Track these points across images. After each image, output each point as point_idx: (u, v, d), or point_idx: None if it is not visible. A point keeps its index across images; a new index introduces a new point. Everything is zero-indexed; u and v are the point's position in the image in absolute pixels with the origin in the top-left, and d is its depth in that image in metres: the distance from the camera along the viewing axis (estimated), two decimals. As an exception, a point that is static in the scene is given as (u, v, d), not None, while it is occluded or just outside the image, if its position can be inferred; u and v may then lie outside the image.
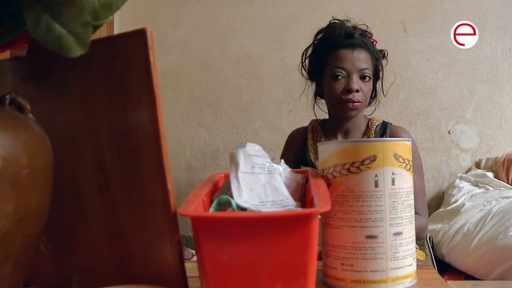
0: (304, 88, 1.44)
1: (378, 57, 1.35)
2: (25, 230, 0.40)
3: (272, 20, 2.33)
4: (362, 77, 1.29)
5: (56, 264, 0.55)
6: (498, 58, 2.10)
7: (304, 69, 1.42)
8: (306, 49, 1.42)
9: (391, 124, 1.40)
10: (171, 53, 2.42)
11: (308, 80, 1.43)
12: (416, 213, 1.22)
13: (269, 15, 2.33)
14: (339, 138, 1.38)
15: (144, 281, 0.50)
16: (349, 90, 1.27)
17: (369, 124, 1.39)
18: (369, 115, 1.44)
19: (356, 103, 1.28)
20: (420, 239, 1.44)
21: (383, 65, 1.39)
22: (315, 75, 1.40)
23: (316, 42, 1.38)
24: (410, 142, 0.60)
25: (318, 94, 1.43)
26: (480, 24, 2.09)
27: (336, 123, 1.39)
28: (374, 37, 1.37)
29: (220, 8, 2.38)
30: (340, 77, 1.29)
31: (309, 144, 1.43)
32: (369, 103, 1.40)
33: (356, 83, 1.27)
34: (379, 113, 1.43)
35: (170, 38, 2.43)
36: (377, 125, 1.39)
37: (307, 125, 1.50)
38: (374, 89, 1.39)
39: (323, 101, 1.43)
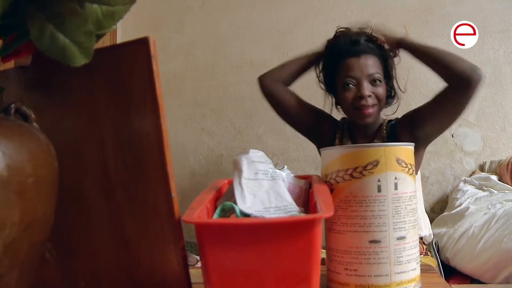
0: (324, 101, 1.46)
1: (387, 57, 1.37)
2: (31, 238, 0.40)
3: (274, 26, 2.34)
4: (373, 82, 1.30)
5: (61, 271, 0.55)
6: (501, 61, 2.10)
7: (320, 82, 1.45)
8: (317, 63, 1.44)
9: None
10: (174, 60, 2.42)
11: (326, 92, 1.45)
12: None
13: (271, 21, 2.34)
14: (358, 137, 1.41)
15: (149, 287, 0.50)
16: (360, 97, 1.28)
17: (383, 122, 1.42)
18: (392, 114, 1.45)
19: (370, 109, 1.29)
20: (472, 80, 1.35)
21: (396, 63, 1.41)
22: (331, 86, 1.42)
23: (325, 54, 1.41)
24: (413, 147, 0.60)
25: (337, 103, 1.45)
26: (482, 27, 2.09)
27: (356, 124, 1.40)
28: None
29: (223, 15, 2.39)
30: (350, 86, 1.30)
31: (337, 137, 1.45)
32: (389, 103, 1.43)
33: (366, 89, 1.28)
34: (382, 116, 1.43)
35: (173, 44, 2.43)
36: (388, 119, 1.42)
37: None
38: (392, 88, 1.41)
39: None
